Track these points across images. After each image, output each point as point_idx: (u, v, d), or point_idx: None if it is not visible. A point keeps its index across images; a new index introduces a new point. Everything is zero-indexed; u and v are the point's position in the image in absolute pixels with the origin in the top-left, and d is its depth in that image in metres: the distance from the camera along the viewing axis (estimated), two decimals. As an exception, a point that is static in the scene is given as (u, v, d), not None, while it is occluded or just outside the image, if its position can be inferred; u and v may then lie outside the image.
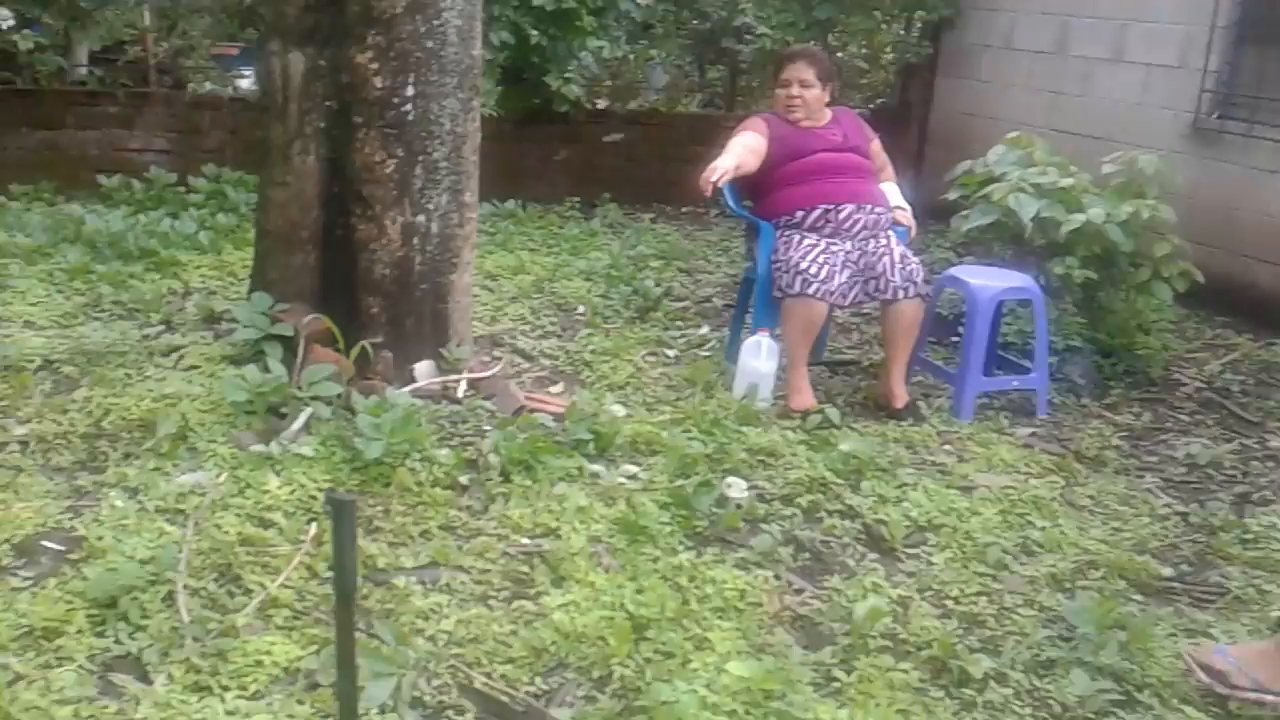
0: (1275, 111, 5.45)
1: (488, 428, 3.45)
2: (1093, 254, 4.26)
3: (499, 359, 4.14)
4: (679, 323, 4.90)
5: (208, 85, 6.95)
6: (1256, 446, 3.98)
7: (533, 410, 3.59)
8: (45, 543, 2.65)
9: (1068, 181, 4.31)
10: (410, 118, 3.60)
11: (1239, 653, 2.44)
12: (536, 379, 4.10)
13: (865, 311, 5.07)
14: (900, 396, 3.98)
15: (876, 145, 4.41)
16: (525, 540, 2.86)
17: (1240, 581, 2.96)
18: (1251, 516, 3.35)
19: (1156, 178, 4.42)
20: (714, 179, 3.86)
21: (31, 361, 3.64)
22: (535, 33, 6.45)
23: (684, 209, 7.39)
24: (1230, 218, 5.65)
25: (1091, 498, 3.43)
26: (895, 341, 3.98)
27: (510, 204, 6.61)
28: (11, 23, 5.59)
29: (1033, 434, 3.93)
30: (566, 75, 6.73)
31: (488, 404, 3.65)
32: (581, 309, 4.96)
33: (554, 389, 4.01)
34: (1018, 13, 6.94)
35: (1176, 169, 4.62)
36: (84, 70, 6.53)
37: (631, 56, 7.73)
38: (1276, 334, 5.23)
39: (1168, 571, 2.99)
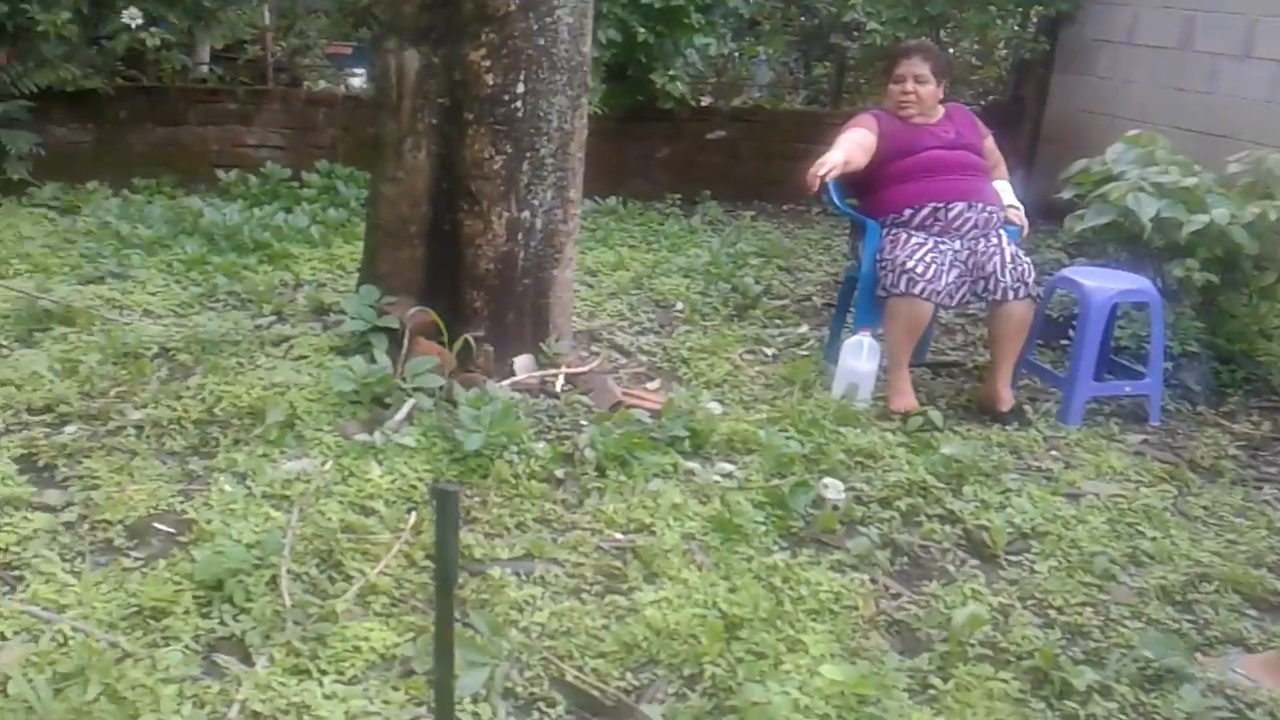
0: None
1: (584, 422, 3.46)
2: (1214, 256, 4.09)
3: (597, 354, 4.16)
4: (778, 321, 4.85)
5: (322, 83, 7.13)
6: (1389, 461, 3.77)
7: (629, 406, 3.60)
8: (157, 524, 2.74)
9: (1190, 181, 4.14)
10: (519, 115, 3.64)
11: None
12: (633, 375, 4.10)
13: (970, 313, 4.96)
14: (1006, 399, 3.87)
15: (990, 143, 4.30)
16: (619, 535, 2.87)
17: (1368, 603, 2.81)
18: (1381, 535, 3.18)
19: (1286, 177, 4.22)
20: (821, 173, 3.81)
21: (149, 349, 3.78)
22: (643, 30, 6.46)
23: (785, 206, 7.32)
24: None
25: (1205, 508, 3.29)
26: (1003, 343, 3.88)
27: (611, 200, 6.64)
28: (140, 21, 5.80)
29: (1144, 441, 3.79)
30: (672, 73, 6.72)
31: (585, 399, 3.67)
32: (680, 306, 4.96)
33: (651, 385, 4.01)
34: (1141, 7, 6.70)
35: (1307, 169, 4.40)
36: (206, 68, 6.76)
37: (738, 53, 7.69)
38: None
39: (1287, 588, 2.86)
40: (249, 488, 2.92)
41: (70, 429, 3.20)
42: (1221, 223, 3.97)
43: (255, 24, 6.79)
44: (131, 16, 5.78)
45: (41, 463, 2.99)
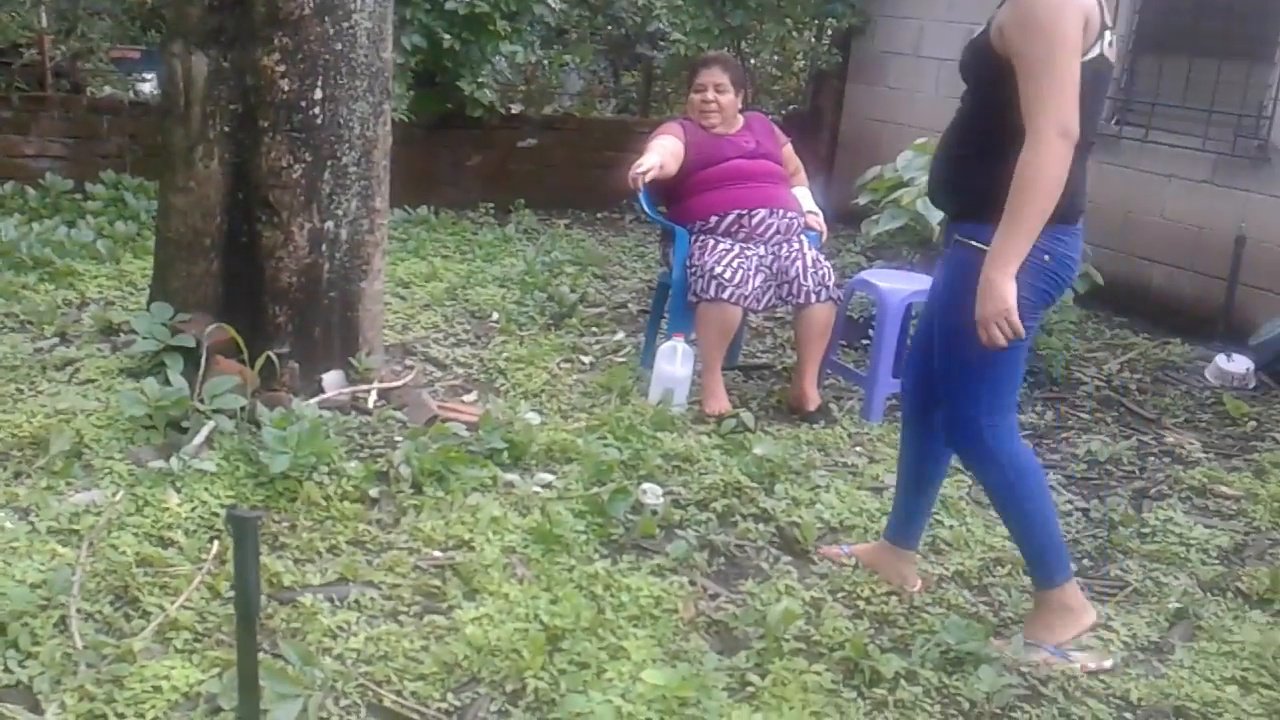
0: (1170, 118, 5.65)
1: (399, 438, 3.39)
2: (998, 257, 4.35)
3: (411, 368, 4.08)
4: (594, 329, 4.88)
5: (107, 89, 6.73)
6: (1153, 443, 4.10)
7: (445, 420, 3.54)
8: (-72, 568, 2.52)
9: (973, 186, 4.39)
10: (319, 121, 3.53)
11: None
12: (450, 388, 4.05)
13: (778, 316, 5.12)
14: (813, 399, 4.02)
15: (788, 150, 4.45)
16: (437, 553, 2.81)
17: (1138, 575, 3.05)
18: (1149, 511, 3.46)
19: (1057, 182, 4.53)
20: (639, 172, 3.87)
21: (-85, 377, 3.48)
22: (448, 36, 6.38)
23: (599, 214, 7.39)
24: (1127, 221, 5.84)
25: (998, 496, 3.48)
26: (808, 345, 4.02)
27: (423, 210, 6.53)
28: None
29: (942, 435, 4.00)
30: (480, 80, 6.68)
31: (399, 414, 3.60)
32: (495, 316, 4.92)
33: (467, 398, 3.96)
34: (924, 20, 7.08)
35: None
36: (-25, 73, 6.28)
37: (546, 61, 7.70)
38: (1171, 333, 5.41)
39: (1070, 567, 3.05)
40: (33, 524, 2.72)
41: None
42: (1003, 225, 4.22)
43: (31, 26, 6.35)
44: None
45: None
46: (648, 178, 3.92)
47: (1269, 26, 5.20)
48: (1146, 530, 3.31)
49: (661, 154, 4.04)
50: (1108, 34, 2.37)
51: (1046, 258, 2.38)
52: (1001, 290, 2.27)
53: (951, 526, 3.22)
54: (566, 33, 8.03)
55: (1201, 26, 5.48)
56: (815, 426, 3.91)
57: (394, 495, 3.06)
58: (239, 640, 1.90)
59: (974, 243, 2.37)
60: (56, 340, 4.01)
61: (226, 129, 3.56)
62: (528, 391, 4.02)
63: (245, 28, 3.48)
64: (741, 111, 4.35)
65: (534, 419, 3.70)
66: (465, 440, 3.37)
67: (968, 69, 2.49)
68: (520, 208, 6.93)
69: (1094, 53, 2.32)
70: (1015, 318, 2.29)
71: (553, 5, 6.98)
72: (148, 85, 6.93)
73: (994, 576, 2.98)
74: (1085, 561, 3.13)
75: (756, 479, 3.40)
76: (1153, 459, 3.94)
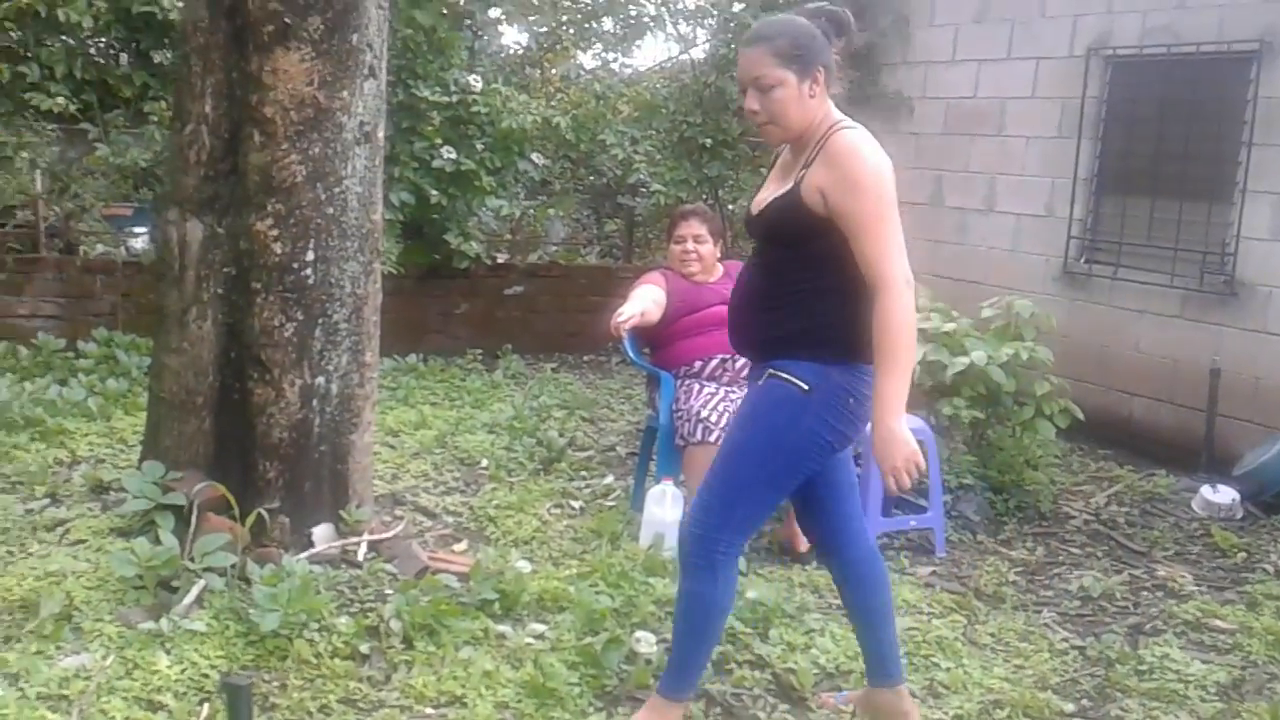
0: (1137, 255, 5.83)
1: (390, 591, 3.37)
2: (978, 394, 4.44)
3: (401, 518, 4.08)
4: (584, 473, 4.91)
5: (100, 247, 6.89)
6: (1145, 576, 4.11)
7: (436, 571, 3.53)
8: (-88, 741, 2.48)
9: (950, 326, 4.52)
10: (310, 282, 3.62)
11: None
12: (440, 537, 4.04)
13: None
14: (803, 540, 4.01)
15: (768, 296, 4.56)
16: (429, 710, 2.78)
17: (1139, 714, 3.02)
18: (1145, 648, 3.44)
19: (1032, 320, 4.66)
20: (619, 321, 3.98)
21: (-97, 542, 3.46)
22: (435, 192, 6.59)
23: (585, 358, 7.49)
24: (1103, 355, 5.96)
25: (993, 635, 3.48)
26: (796, 486, 4.04)
27: (412, 358, 6.62)
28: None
29: (933, 573, 4.00)
30: (465, 232, 6.86)
31: (389, 566, 3.58)
32: (485, 463, 4.94)
33: (458, 547, 3.96)
34: (896, 168, 7.32)
35: (1051, 311, 4.88)
36: (-30, 237, 6.43)
37: (531, 212, 7.94)
38: (1155, 465, 5.47)
39: (1070, 707, 3.04)
40: (22, 689, 2.68)
41: None
42: (980, 364, 4.33)
43: (26, 190, 6.53)
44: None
45: None
46: (628, 325, 4.04)
47: (1225, 168, 5.43)
48: (1144, 668, 3.29)
49: (643, 302, 4.16)
50: None
51: (851, 401, 2.52)
52: (903, 435, 2.40)
53: (948, 669, 3.19)
54: (550, 184, 8.29)
55: (1161, 169, 5.72)
56: (807, 567, 3.91)
57: (385, 651, 3.03)
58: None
59: (786, 375, 2.52)
60: (47, 501, 4.00)
61: (220, 291, 3.65)
62: (518, 539, 4.02)
63: (239, 195, 3.61)
64: (721, 260, 4.49)
65: (525, 567, 3.68)
66: (456, 591, 3.35)
67: (773, 227, 2.59)
68: (508, 353, 7.02)
69: None
70: (920, 459, 2.44)
71: (536, 162, 7.23)
72: (139, 241, 7.09)
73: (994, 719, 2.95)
74: (1085, 701, 3.10)
75: (750, 624, 3.37)
76: (1146, 593, 3.94)
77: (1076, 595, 3.88)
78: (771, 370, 2.54)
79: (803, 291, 2.53)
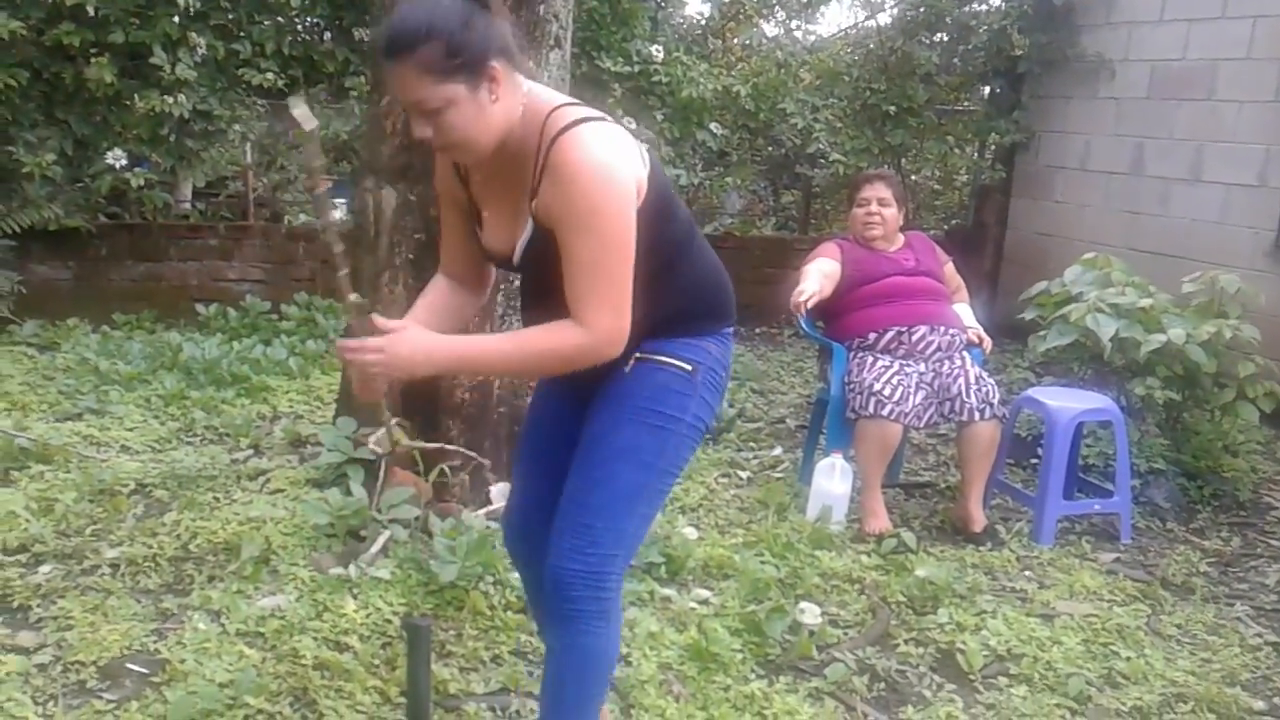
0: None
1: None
2: (1175, 374, 4.20)
3: (574, 481, 4.18)
4: (752, 444, 4.91)
5: (303, 217, 7.29)
6: (1355, 574, 3.82)
7: (606, 533, 3.61)
8: (130, 665, 2.72)
9: (1146, 302, 4.27)
10: (492, 247, 3.74)
11: None
12: (610, 501, 4.12)
13: (941, 433, 5.03)
14: (978, 520, 3.92)
15: (950, 269, 4.44)
16: (595, 666, 2.85)
17: (1342, 719, 2.82)
18: (1352, 649, 3.20)
19: (1238, 297, 4.36)
20: (803, 300, 3.96)
21: (126, 485, 3.79)
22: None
23: (758, 329, 7.46)
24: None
25: (1179, 627, 3.31)
26: (972, 464, 3.94)
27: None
28: (124, 162, 5.96)
29: (1116, 559, 3.83)
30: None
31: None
32: (656, 431, 4.99)
33: (628, 512, 4.03)
34: (1092, 135, 6.99)
35: (1259, 287, 4.56)
36: (188, 205, 6.92)
37: (708, 183, 7.93)
38: (1374, 454, 5.05)
39: (1260, 705, 2.87)
40: (223, 625, 2.91)
41: (45, 568, 3.19)
42: (1179, 342, 4.09)
43: (237, 161, 6.98)
44: (115, 157, 5.94)
45: (16, 604, 2.97)
46: (810, 304, 4.00)
47: None
48: (1348, 669, 3.07)
49: (819, 278, 4.11)
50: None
51: (723, 373, 2.16)
52: (405, 361, 1.89)
53: (1129, 658, 3.06)
54: (728, 154, 8.26)
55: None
56: (981, 548, 3.81)
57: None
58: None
59: (662, 358, 2.06)
60: (251, 452, 4.31)
61: (411, 256, 3.82)
62: (685, 506, 4.06)
63: (430, 164, 3.72)
64: (902, 230, 4.39)
65: (691, 534, 3.73)
66: (625, 554, 3.42)
67: (547, 264, 1.94)
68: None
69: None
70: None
71: (715, 132, 7.22)
72: (338, 212, 7.47)
73: (1175, 713, 2.81)
74: (1277, 700, 2.91)
75: (919, 602, 3.32)
76: (1355, 591, 3.67)
77: (1274, 589, 3.64)
78: (640, 355, 2.05)
79: (674, 258, 2.05)
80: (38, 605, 2.97)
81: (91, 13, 5.65)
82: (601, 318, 1.88)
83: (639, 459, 2.05)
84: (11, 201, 5.80)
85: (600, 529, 2.02)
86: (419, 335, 1.92)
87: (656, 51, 6.85)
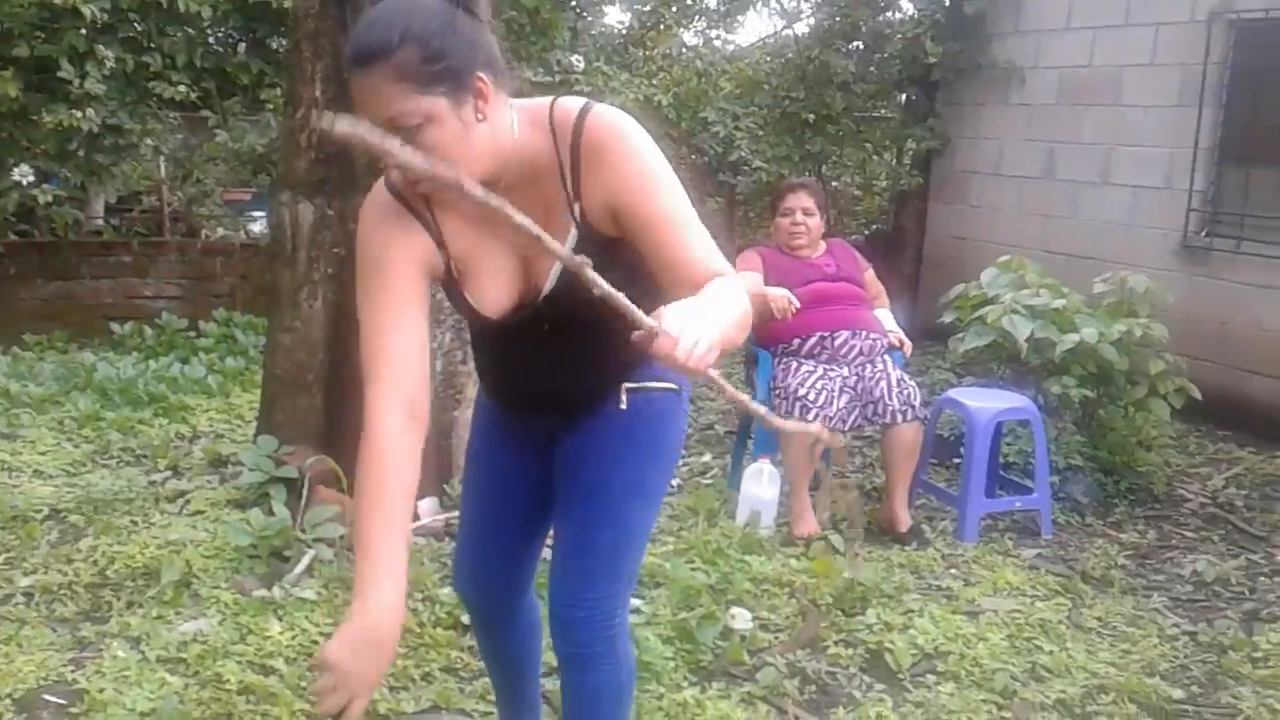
0: (1261, 228, 5.57)
1: (490, 565, 3.44)
2: (1089, 373, 4.31)
3: (503, 494, 4.15)
4: (682, 451, 4.91)
5: (220, 231, 7.16)
6: (1263, 562, 3.95)
7: (536, 545, 3.59)
8: (47, 696, 2.63)
9: (1060, 302, 4.39)
10: (412, 262, 3.71)
11: None
12: (540, 513, 4.10)
13: (866, 435, 5.10)
14: (903, 520, 3.98)
15: (870, 274, 4.51)
16: (528, 680, 2.83)
17: (1252, 702, 2.91)
18: (1260, 634, 3.31)
19: (1147, 296, 4.50)
20: (794, 307, 4.08)
21: (39, 511, 3.67)
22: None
23: (686, 337, 7.48)
24: (1223, 333, 5.72)
25: (1099, 619, 3.39)
26: (896, 465, 4.00)
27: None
28: (31, 178, 5.80)
29: (1038, 555, 3.92)
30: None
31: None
32: (585, 441, 4.99)
33: (558, 523, 4.01)
34: (1005, 140, 7.16)
35: (1167, 287, 4.70)
36: (100, 221, 6.74)
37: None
38: (1277, 446, 5.23)
39: (1178, 694, 2.95)
40: (143, 652, 2.83)
41: (-47, 600, 3.08)
42: (1091, 341, 4.20)
43: (150, 176, 6.83)
44: (23, 174, 5.77)
45: (-79, 638, 2.87)
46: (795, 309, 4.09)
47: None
48: (1258, 655, 3.17)
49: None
50: None
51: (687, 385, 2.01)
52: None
53: (1052, 652, 3.12)
54: (651, 163, 8.29)
55: (1287, 136, 5.45)
56: (907, 548, 3.87)
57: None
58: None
59: (651, 384, 1.91)
60: (169, 473, 4.20)
61: (330, 270, 3.77)
62: (617, 516, 4.05)
63: (347, 177, 3.70)
64: (824, 237, 4.45)
65: (623, 544, 3.72)
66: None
67: (581, 300, 1.55)
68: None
69: None
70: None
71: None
72: (256, 224, 7.34)
73: (1097, 704, 2.88)
74: (1195, 689, 3.00)
75: (847, 603, 3.36)
76: (1263, 579, 3.79)
77: (1189, 580, 3.75)
78: (630, 387, 1.88)
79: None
80: (-54, 639, 2.86)
81: (-6, 26, 5.49)
82: (723, 260, 1.70)
83: (644, 495, 1.95)
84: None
85: (607, 572, 1.92)
86: (684, 310, 1.49)
87: (577, 61, 6.87)
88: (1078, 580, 3.67)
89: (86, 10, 5.56)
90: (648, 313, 1.47)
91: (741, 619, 3.21)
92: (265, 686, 2.68)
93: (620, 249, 1.72)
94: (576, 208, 1.70)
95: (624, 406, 1.87)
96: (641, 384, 1.89)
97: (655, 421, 1.94)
